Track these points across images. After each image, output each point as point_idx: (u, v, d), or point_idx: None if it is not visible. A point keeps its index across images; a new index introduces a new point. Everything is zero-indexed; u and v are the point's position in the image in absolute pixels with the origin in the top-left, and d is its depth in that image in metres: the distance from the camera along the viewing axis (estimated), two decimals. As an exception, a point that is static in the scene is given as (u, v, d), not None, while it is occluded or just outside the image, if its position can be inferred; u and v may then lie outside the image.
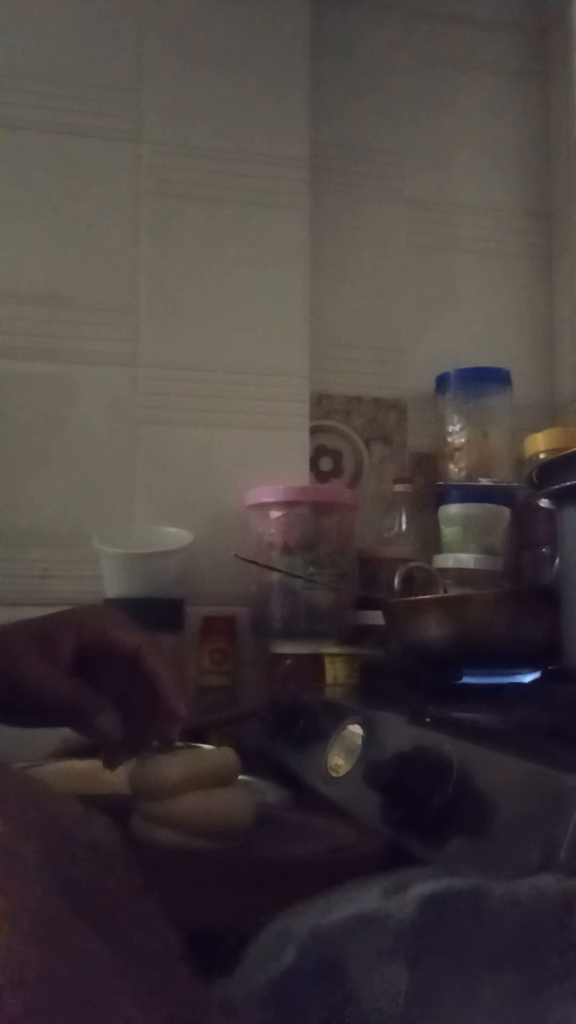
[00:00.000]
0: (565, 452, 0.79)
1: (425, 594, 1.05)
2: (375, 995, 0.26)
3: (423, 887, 0.29)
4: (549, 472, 0.76)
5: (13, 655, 0.56)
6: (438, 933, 0.28)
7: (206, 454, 1.30)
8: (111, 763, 0.58)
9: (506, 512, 1.23)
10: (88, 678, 0.57)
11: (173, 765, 0.52)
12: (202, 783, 0.51)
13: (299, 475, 1.32)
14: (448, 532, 1.23)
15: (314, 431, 1.36)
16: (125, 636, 0.58)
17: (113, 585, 1.17)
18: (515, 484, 1.24)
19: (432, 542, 1.27)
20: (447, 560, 1.20)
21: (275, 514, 1.22)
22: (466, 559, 1.18)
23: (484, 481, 1.27)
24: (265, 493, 1.23)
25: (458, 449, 1.33)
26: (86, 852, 0.29)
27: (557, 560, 0.80)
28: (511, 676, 0.81)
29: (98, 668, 0.58)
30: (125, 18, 1.33)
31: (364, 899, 0.30)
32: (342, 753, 0.71)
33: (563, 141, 1.45)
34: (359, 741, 0.69)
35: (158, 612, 1.16)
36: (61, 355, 1.27)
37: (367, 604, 1.18)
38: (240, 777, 0.55)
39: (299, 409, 1.34)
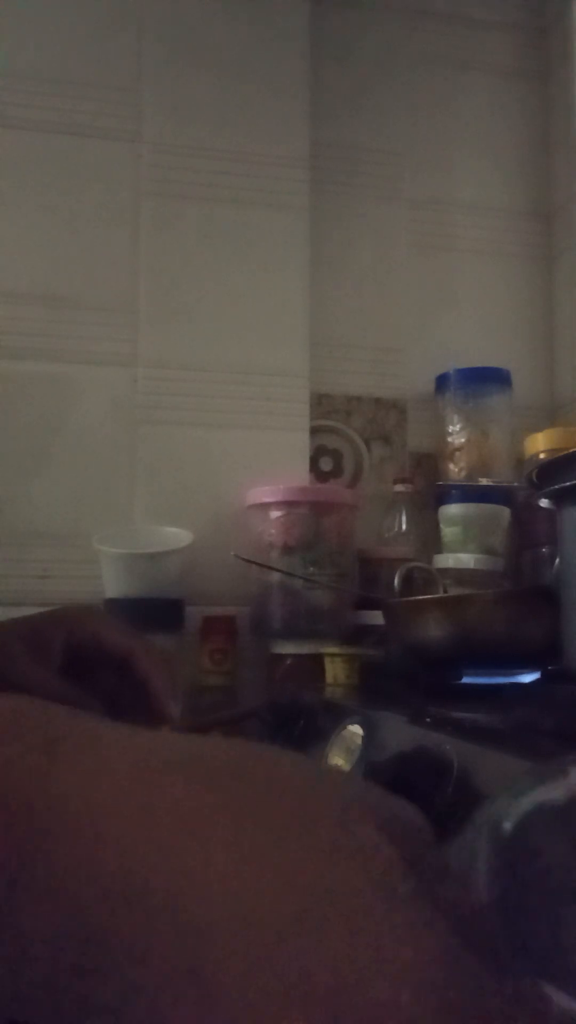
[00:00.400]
0: (565, 452, 0.79)
1: (425, 594, 1.05)
2: (560, 884, 0.26)
3: None
4: (549, 472, 0.76)
5: (3, 655, 0.56)
6: None
7: (206, 454, 1.30)
8: None
9: (506, 512, 1.23)
10: (78, 679, 0.57)
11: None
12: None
13: (299, 475, 1.32)
14: (448, 532, 1.23)
15: (314, 431, 1.36)
16: (116, 637, 0.58)
17: (113, 585, 1.17)
18: (515, 484, 1.24)
19: (432, 542, 1.27)
20: (447, 560, 1.20)
21: (275, 514, 1.22)
22: (466, 559, 1.18)
23: (484, 481, 1.27)
24: (265, 493, 1.23)
25: (458, 449, 1.33)
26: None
27: (557, 560, 0.80)
28: (511, 676, 0.81)
29: (89, 669, 0.58)
30: (125, 18, 1.33)
31: (537, 786, 0.29)
32: (342, 753, 0.71)
33: (563, 141, 1.45)
34: (359, 741, 0.69)
35: (158, 612, 1.16)
36: (61, 355, 1.27)
37: (367, 604, 1.18)
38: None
39: (299, 409, 1.34)
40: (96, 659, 0.57)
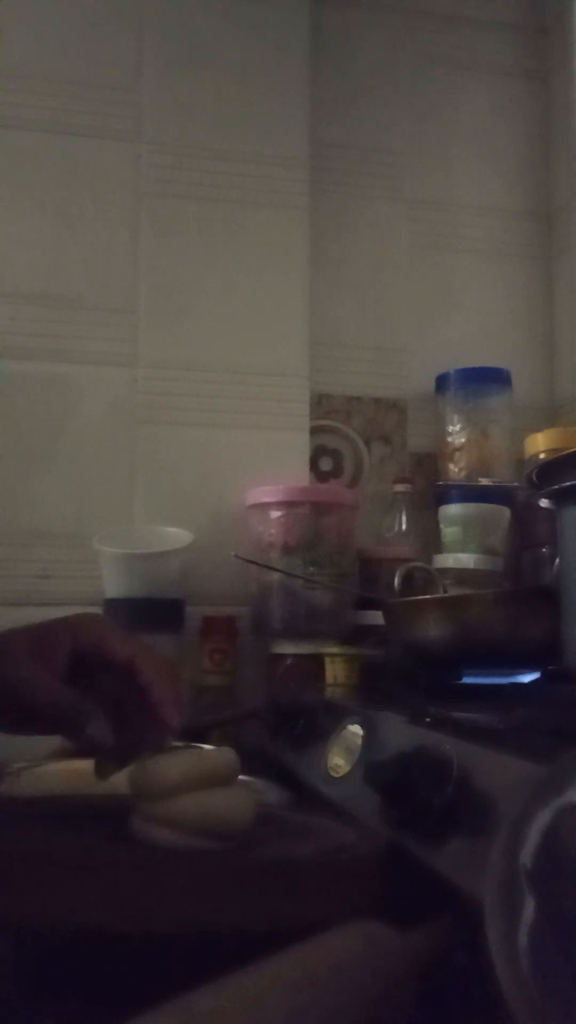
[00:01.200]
0: (565, 452, 0.79)
1: (425, 594, 1.05)
2: None
3: None
4: (549, 472, 0.76)
5: (8, 662, 0.56)
6: None
7: (206, 454, 1.30)
8: (102, 772, 0.58)
9: (506, 512, 1.23)
10: (83, 685, 0.57)
11: (173, 765, 0.52)
12: (202, 783, 0.51)
13: (299, 475, 1.32)
14: (448, 532, 1.23)
15: (314, 431, 1.36)
16: (119, 645, 0.58)
17: (113, 585, 1.17)
18: (515, 484, 1.24)
19: (432, 542, 1.27)
20: (447, 560, 1.20)
21: (275, 514, 1.22)
22: (466, 559, 1.18)
23: (484, 481, 1.27)
24: (265, 493, 1.23)
25: (458, 449, 1.33)
26: None
27: (557, 560, 0.80)
28: (511, 676, 0.81)
29: (93, 676, 0.58)
30: (125, 18, 1.33)
31: (546, 803, 0.30)
32: (342, 753, 0.71)
33: (563, 141, 1.45)
34: (359, 741, 0.69)
35: (158, 612, 1.16)
36: (61, 355, 1.27)
37: (367, 604, 1.18)
38: (240, 777, 0.55)
39: (299, 409, 1.34)
40: (100, 666, 0.58)
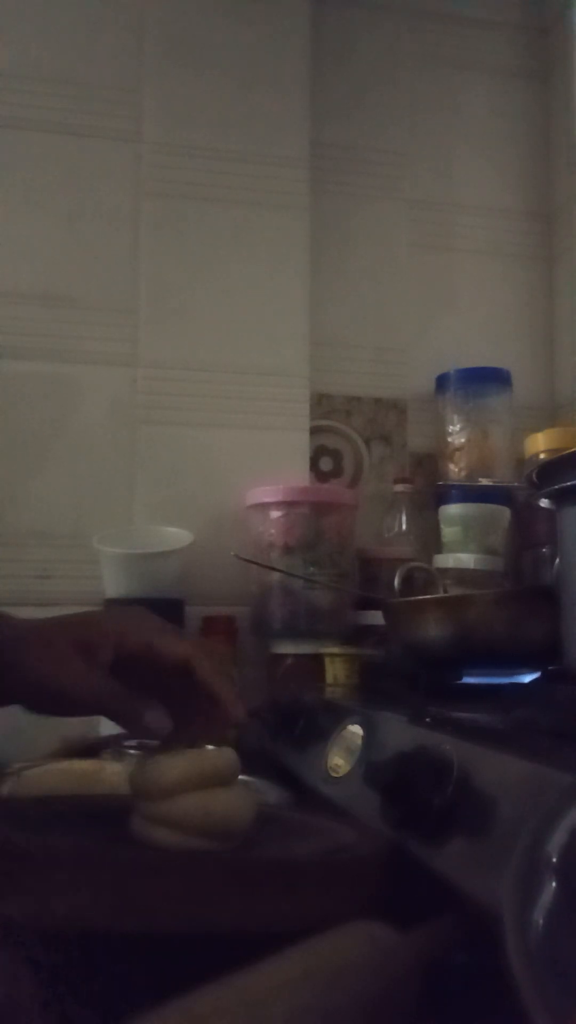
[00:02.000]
0: (565, 452, 0.79)
1: (425, 594, 1.05)
2: None
3: None
4: (549, 472, 0.76)
5: (56, 658, 0.55)
6: None
7: (206, 454, 1.30)
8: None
9: (506, 512, 1.23)
10: (129, 681, 0.56)
11: (173, 765, 0.52)
12: (202, 783, 0.51)
13: (299, 475, 1.32)
14: (448, 532, 1.23)
15: (314, 431, 1.36)
16: (172, 645, 0.57)
17: (113, 585, 1.17)
18: (515, 484, 1.24)
19: (432, 542, 1.27)
20: (447, 560, 1.20)
21: (275, 514, 1.22)
22: (466, 559, 1.18)
23: (484, 481, 1.27)
24: (265, 493, 1.23)
25: (458, 449, 1.33)
26: None
27: (557, 560, 0.80)
28: (511, 676, 0.81)
29: (140, 672, 0.57)
30: (125, 18, 1.33)
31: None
32: (342, 753, 0.71)
33: (563, 141, 1.45)
34: (359, 741, 0.69)
35: (158, 612, 1.14)
36: (61, 355, 1.27)
37: (367, 604, 1.18)
38: (240, 777, 0.55)
39: (299, 409, 1.34)
40: (150, 666, 0.57)
